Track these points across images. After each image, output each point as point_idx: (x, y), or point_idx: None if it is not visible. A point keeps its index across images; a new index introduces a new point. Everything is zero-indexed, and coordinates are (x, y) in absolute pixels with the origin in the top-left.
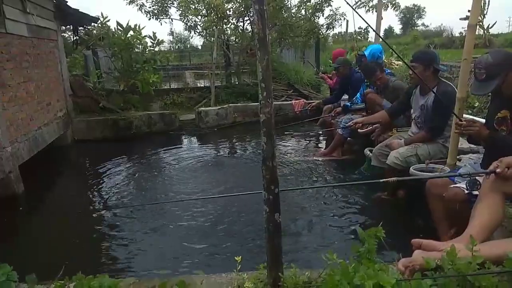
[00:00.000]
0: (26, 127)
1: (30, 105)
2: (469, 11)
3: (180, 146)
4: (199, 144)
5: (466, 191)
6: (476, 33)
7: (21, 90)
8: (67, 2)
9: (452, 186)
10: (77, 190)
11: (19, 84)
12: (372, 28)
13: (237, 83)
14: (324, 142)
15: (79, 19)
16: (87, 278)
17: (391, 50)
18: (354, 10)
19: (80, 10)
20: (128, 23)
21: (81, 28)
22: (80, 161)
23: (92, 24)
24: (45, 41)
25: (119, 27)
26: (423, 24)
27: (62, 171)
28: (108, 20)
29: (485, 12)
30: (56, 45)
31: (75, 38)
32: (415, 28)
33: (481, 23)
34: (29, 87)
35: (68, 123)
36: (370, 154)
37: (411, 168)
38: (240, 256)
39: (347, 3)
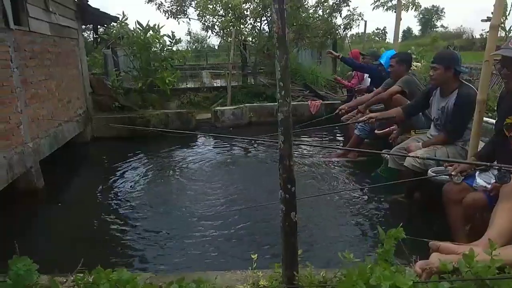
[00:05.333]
0: (47, 123)
1: (51, 102)
2: (492, 13)
3: (196, 145)
4: (215, 143)
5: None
6: (498, 35)
7: (43, 88)
8: (88, 1)
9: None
10: (95, 186)
11: (40, 82)
12: None
13: (253, 83)
14: (337, 141)
15: (99, 18)
16: (106, 271)
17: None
18: None
19: (100, 9)
20: (148, 23)
21: (101, 27)
22: (99, 158)
23: (112, 23)
24: (66, 40)
25: (138, 27)
26: (442, 26)
27: (82, 167)
28: (126, 19)
29: (507, 13)
30: (76, 44)
31: (95, 37)
32: (434, 29)
33: (502, 25)
34: (50, 84)
35: (87, 121)
36: (388, 156)
37: (429, 171)
38: (256, 254)
39: None
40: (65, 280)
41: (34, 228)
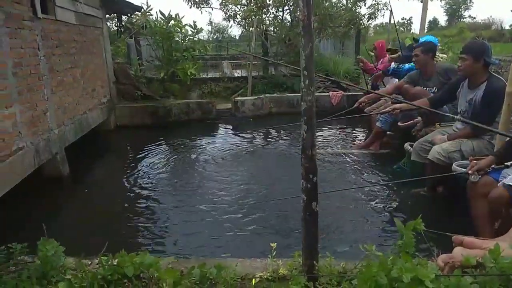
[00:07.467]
0: (72, 111)
1: (76, 90)
2: None
3: (216, 134)
4: (234, 133)
5: None
6: None
7: (68, 76)
8: None
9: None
10: (119, 173)
11: (66, 70)
12: None
13: (274, 74)
14: (359, 133)
15: (123, 7)
16: (130, 255)
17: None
18: None
19: None
20: (170, 12)
21: (125, 16)
22: (122, 146)
23: (136, 12)
24: (91, 29)
25: (160, 16)
26: (470, 16)
27: (106, 154)
28: (151, 9)
29: None
30: (101, 33)
31: (119, 26)
32: (462, 20)
33: None
34: (75, 73)
35: (111, 109)
36: (411, 148)
37: (454, 164)
38: (275, 243)
39: None
40: (90, 262)
41: (60, 213)
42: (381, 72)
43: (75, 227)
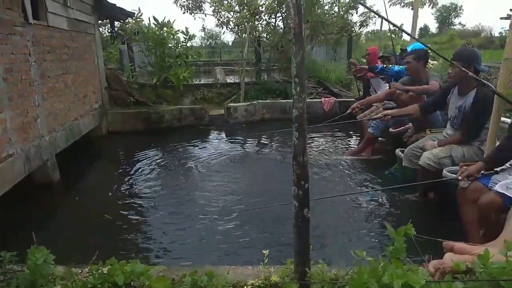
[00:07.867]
0: (64, 117)
1: (68, 96)
2: (511, 10)
3: (209, 140)
4: (227, 139)
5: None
6: None
7: (60, 82)
8: None
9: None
10: (110, 180)
11: (58, 76)
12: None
13: (266, 80)
14: (351, 140)
15: (116, 13)
16: (120, 263)
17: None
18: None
19: (116, 5)
20: (164, 19)
21: (117, 22)
22: (114, 152)
23: (128, 18)
24: (83, 35)
25: (154, 22)
26: (460, 23)
27: (97, 161)
28: (141, 14)
29: None
30: (93, 39)
31: (111, 32)
32: (452, 27)
33: None
34: (67, 79)
35: (103, 115)
36: (402, 154)
37: (444, 170)
38: (267, 250)
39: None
40: (80, 271)
41: (50, 220)
42: (366, 67)
43: (65, 234)
